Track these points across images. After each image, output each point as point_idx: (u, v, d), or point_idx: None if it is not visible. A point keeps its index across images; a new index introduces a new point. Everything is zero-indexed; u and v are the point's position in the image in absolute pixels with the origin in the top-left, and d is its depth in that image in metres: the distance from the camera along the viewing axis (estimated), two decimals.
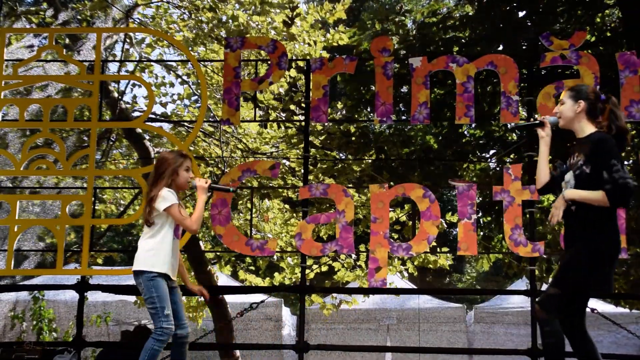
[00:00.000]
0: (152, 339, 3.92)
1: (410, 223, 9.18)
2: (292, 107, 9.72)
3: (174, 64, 10.13)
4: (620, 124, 3.81)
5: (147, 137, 9.74)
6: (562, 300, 3.70)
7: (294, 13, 9.50)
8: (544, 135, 4.00)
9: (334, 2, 9.81)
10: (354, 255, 9.92)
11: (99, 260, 10.79)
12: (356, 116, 9.67)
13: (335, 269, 10.44)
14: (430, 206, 5.72)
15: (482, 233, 9.45)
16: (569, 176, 3.83)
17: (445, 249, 10.47)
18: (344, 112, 9.96)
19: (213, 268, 10.10)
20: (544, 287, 5.90)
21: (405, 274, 10.81)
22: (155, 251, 4.05)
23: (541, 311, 3.72)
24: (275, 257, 9.98)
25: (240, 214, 10.42)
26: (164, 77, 10.17)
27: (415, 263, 10.47)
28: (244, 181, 6.36)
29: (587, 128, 3.86)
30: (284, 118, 10.21)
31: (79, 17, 9.61)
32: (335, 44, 9.83)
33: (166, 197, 4.04)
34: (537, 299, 3.79)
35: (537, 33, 6.44)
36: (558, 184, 3.98)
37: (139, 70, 9.72)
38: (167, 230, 4.10)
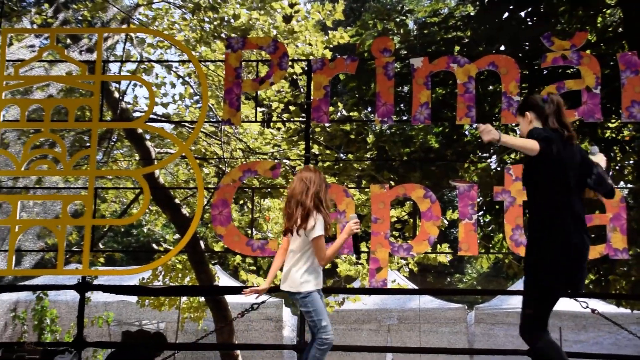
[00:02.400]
0: (315, 347, 4.42)
1: (412, 221, 9.17)
2: (292, 108, 9.72)
3: (175, 64, 10.13)
4: (551, 125, 3.80)
5: (148, 138, 9.75)
6: (539, 313, 3.65)
7: (294, 10, 9.49)
8: None
9: (334, 2, 9.80)
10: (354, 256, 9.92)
11: (101, 260, 10.79)
12: (355, 114, 9.66)
13: (338, 265, 10.46)
14: (431, 206, 5.72)
15: (481, 233, 9.42)
16: None
17: (445, 245, 10.48)
18: (344, 112, 9.95)
19: (214, 268, 10.10)
20: None
21: (406, 270, 10.80)
22: (309, 272, 4.39)
23: (526, 336, 3.64)
24: None
25: (244, 212, 10.42)
26: (164, 78, 10.17)
27: (415, 259, 10.50)
28: (245, 181, 6.35)
29: None
30: (285, 118, 10.21)
31: (79, 17, 9.61)
32: (336, 42, 9.82)
33: (318, 229, 4.32)
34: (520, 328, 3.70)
35: (539, 33, 6.43)
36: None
37: (141, 71, 9.72)
38: (312, 253, 4.41)
